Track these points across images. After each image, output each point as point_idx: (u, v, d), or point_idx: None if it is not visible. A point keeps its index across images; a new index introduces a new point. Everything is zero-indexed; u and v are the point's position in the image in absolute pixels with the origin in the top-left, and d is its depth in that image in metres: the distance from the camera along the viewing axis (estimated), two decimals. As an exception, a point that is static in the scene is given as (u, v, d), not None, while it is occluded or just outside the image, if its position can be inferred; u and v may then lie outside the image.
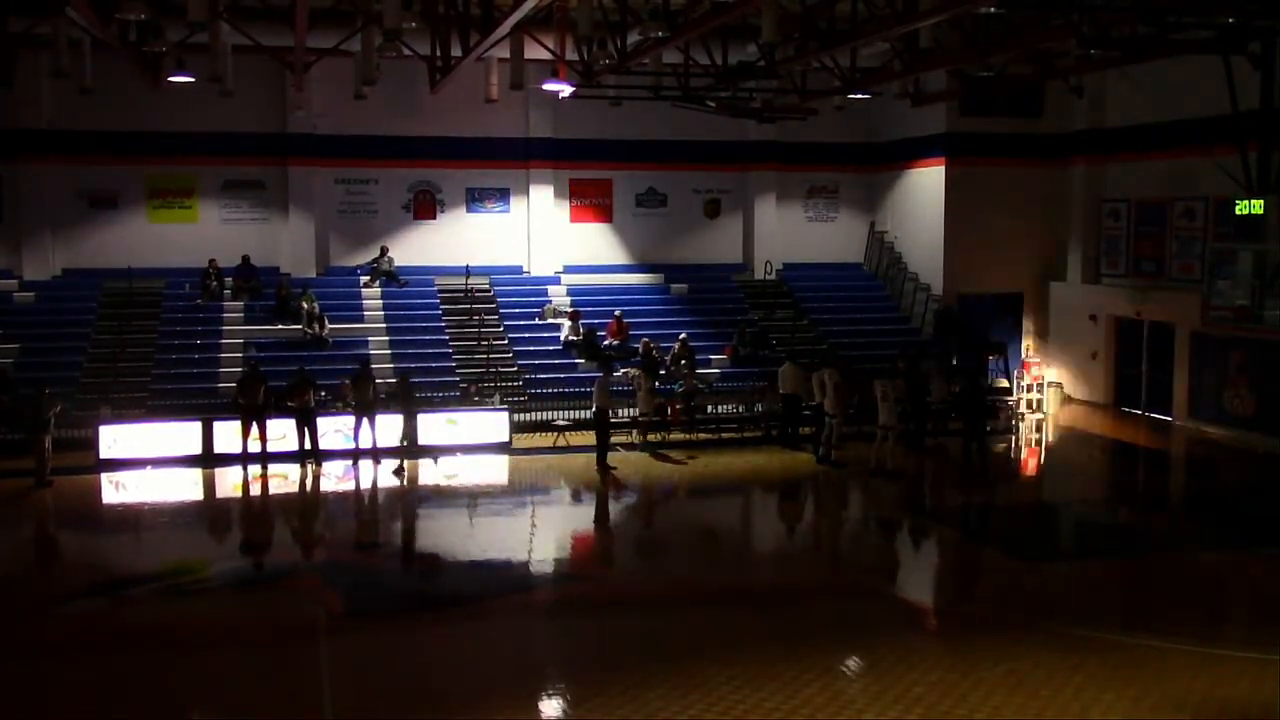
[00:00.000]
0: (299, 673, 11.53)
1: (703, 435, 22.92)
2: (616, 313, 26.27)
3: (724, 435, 22.99)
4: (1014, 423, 24.92)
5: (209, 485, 19.76)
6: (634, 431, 22.61)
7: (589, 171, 29.43)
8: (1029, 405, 25.46)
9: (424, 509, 19.14)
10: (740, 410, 23.76)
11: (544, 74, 22.92)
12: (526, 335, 26.34)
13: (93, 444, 20.18)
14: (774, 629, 12.68)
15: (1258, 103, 20.93)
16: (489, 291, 27.71)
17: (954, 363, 24.89)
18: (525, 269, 29.07)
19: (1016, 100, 27.76)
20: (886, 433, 19.93)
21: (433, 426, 21.55)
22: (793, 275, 30.11)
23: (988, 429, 20.41)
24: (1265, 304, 20.27)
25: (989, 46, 19.62)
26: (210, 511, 19.13)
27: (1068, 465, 22.79)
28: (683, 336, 25.09)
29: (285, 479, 19.84)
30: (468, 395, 22.98)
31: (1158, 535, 17.28)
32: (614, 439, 22.20)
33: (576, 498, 19.33)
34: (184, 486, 19.74)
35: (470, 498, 19.63)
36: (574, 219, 29.58)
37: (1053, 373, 26.43)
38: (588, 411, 21.84)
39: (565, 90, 23.63)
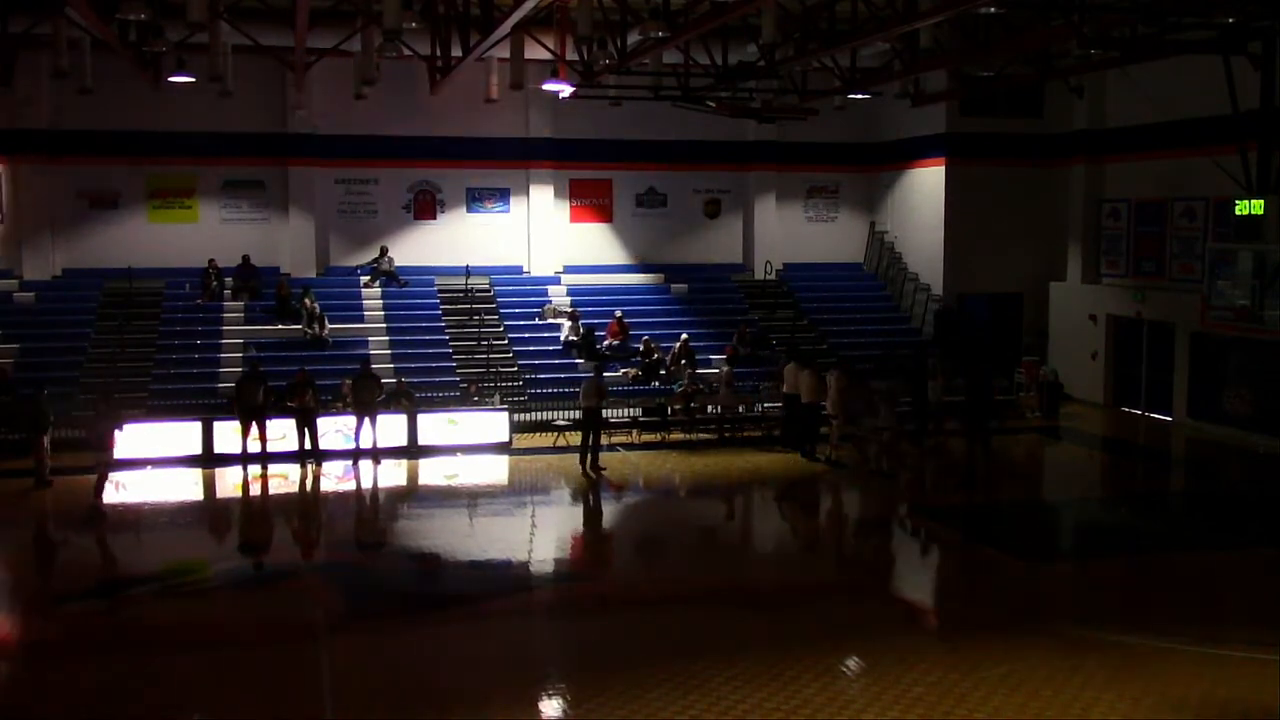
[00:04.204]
0: (299, 673, 11.53)
1: (703, 435, 22.92)
2: (617, 313, 26.26)
3: (724, 435, 22.98)
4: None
5: (209, 485, 19.76)
6: (633, 431, 22.66)
7: (589, 171, 29.43)
8: (1030, 406, 25.45)
9: (424, 509, 19.14)
10: (740, 410, 23.75)
11: (544, 74, 22.91)
12: (526, 335, 26.34)
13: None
14: (774, 629, 12.67)
15: (1258, 103, 20.91)
16: (489, 291, 27.71)
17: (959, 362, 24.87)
18: (525, 269, 29.07)
19: (1016, 100, 27.80)
20: (884, 433, 19.92)
21: (433, 426, 21.58)
22: (793, 275, 30.11)
23: (992, 430, 20.36)
24: (1265, 304, 20.25)
25: (989, 46, 19.62)
26: (210, 512, 19.13)
27: (1068, 465, 22.79)
28: (684, 337, 25.11)
29: (285, 479, 19.84)
30: (468, 395, 22.98)
31: (1158, 535, 17.28)
32: (615, 439, 22.23)
33: (576, 498, 19.32)
34: (184, 486, 19.73)
35: (470, 498, 19.64)
36: (574, 219, 29.58)
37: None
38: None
39: (565, 90, 23.62)
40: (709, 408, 23.60)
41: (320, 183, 27.85)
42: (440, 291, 27.46)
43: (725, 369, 23.35)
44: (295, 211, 27.64)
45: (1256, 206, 20.51)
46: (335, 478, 20.11)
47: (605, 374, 22.60)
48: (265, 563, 16.27)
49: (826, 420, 21.01)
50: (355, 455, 20.69)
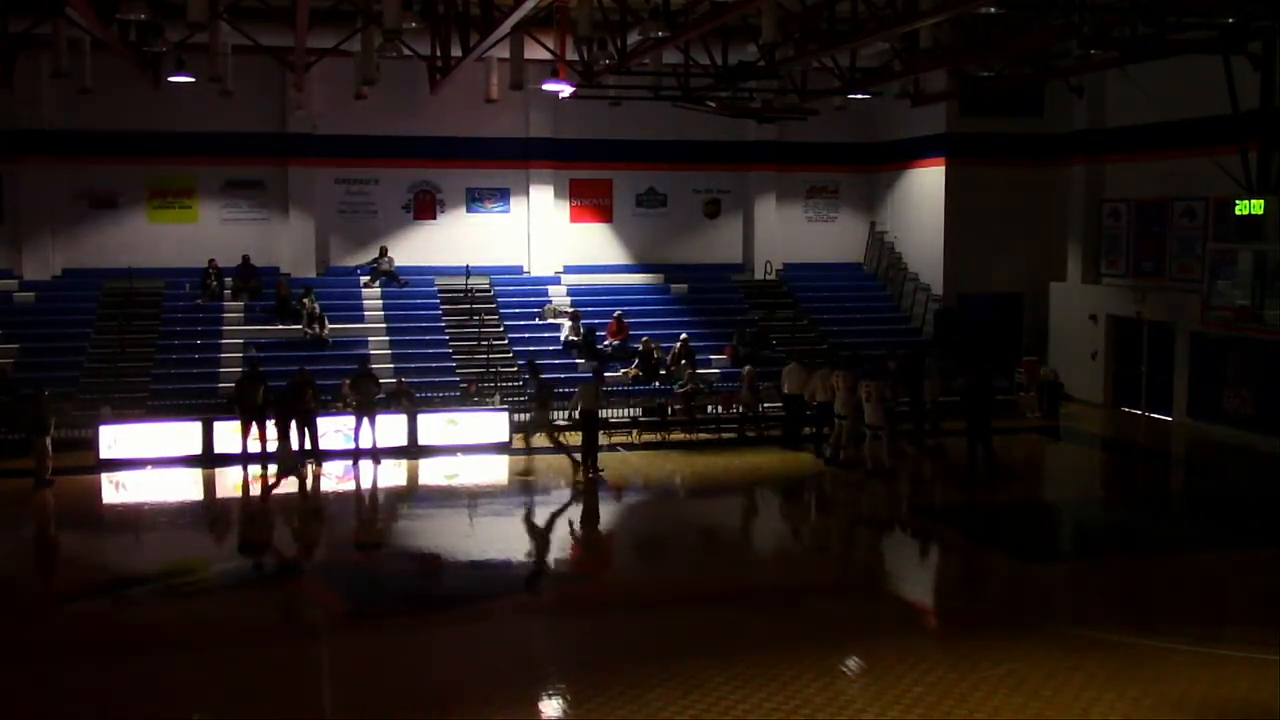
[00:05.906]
0: (299, 673, 11.54)
1: (703, 435, 22.92)
2: (616, 313, 26.26)
3: (724, 435, 22.98)
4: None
5: (209, 485, 19.75)
6: (633, 431, 22.65)
7: (589, 171, 29.42)
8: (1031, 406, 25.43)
9: (424, 509, 19.14)
10: (739, 410, 23.73)
11: (544, 74, 22.91)
12: (526, 335, 26.33)
13: (93, 444, 20.17)
14: (774, 629, 12.68)
15: (1258, 103, 20.93)
16: (489, 291, 27.70)
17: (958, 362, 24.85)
18: (525, 269, 29.06)
19: (1016, 100, 27.76)
20: (877, 433, 19.91)
21: (433, 426, 21.57)
22: (793, 275, 30.11)
23: (992, 429, 20.35)
24: (1265, 304, 20.26)
25: (989, 46, 19.62)
26: (210, 512, 19.12)
27: (1068, 465, 22.79)
28: (684, 337, 25.10)
29: (285, 479, 19.82)
30: (468, 395, 22.98)
31: (1158, 535, 17.28)
32: (614, 439, 22.23)
33: (576, 498, 19.32)
34: (184, 486, 19.73)
35: (470, 498, 19.63)
36: (574, 219, 29.57)
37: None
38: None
39: (565, 90, 23.62)
40: (709, 407, 23.61)
41: (320, 183, 27.84)
42: (440, 291, 27.46)
43: (748, 368, 23.38)
44: (295, 211, 27.63)
45: (1256, 206, 20.53)
46: (335, 478, 20.11)
47: (606, 374, 22.62)
48: (265, 563, 16.28)
49: (830, 420, 20.99)
50: (355, 455, 20.69)
